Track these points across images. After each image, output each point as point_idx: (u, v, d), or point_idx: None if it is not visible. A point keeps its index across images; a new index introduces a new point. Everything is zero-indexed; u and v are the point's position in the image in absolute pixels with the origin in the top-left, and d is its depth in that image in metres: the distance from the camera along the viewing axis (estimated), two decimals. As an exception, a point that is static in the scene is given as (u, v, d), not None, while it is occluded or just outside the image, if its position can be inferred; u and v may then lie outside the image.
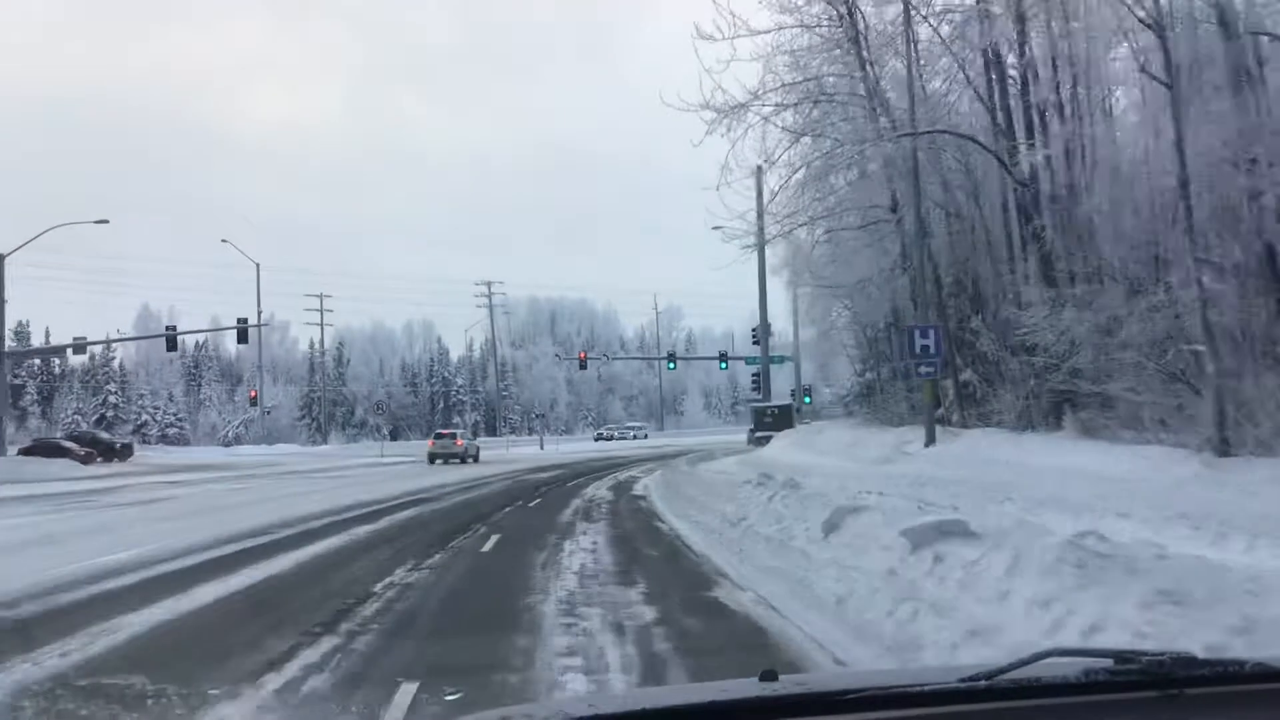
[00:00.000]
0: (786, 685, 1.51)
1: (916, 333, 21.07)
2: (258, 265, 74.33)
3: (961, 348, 24.71)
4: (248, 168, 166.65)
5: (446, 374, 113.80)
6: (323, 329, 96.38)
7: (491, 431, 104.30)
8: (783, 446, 34.90)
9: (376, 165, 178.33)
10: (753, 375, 45.37)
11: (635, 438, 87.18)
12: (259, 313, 75.74)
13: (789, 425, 40.78)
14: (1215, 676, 1.51)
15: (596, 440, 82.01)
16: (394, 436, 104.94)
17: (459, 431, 50.75)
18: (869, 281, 28.40)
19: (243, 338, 48.10)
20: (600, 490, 27.70)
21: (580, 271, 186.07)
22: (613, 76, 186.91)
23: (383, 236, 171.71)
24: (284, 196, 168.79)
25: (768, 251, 43.34)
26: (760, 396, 45.32)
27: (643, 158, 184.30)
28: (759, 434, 41.09)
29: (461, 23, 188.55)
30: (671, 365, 61.39)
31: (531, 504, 22.19)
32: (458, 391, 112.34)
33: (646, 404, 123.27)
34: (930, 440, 20.92)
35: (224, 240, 69.57)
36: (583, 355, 62.52)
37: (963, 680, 1.42)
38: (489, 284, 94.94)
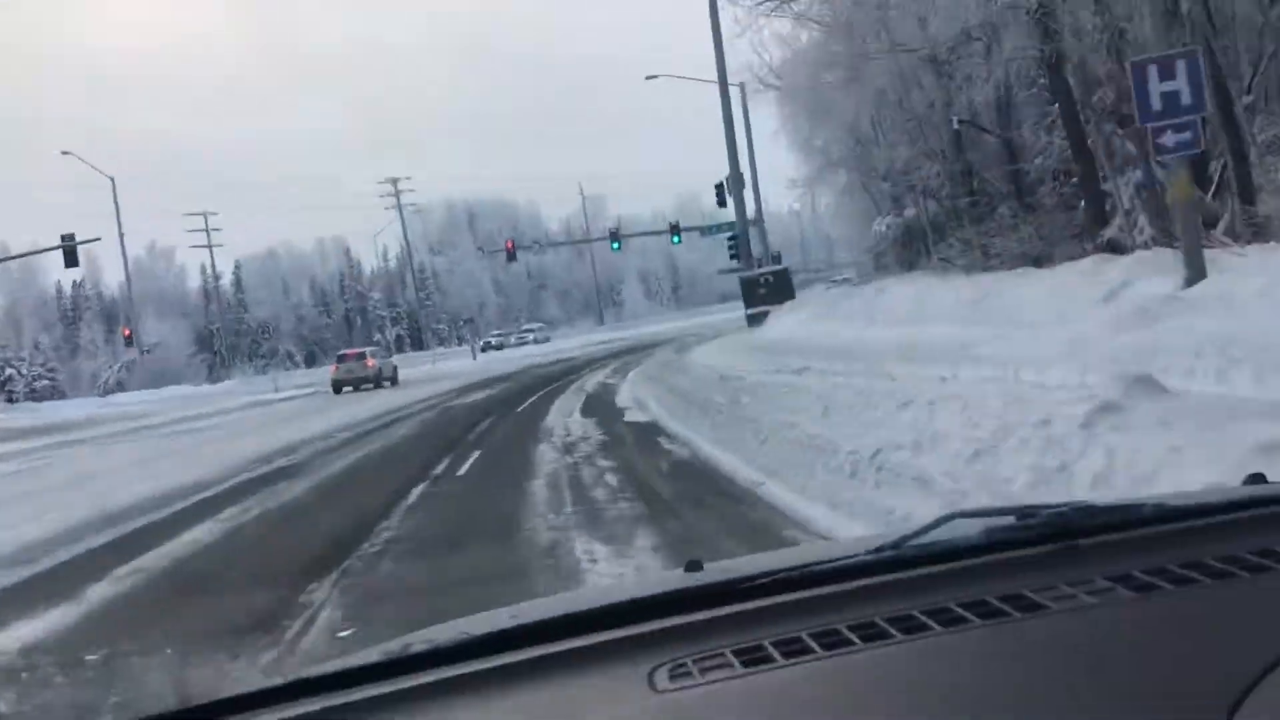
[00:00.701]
0: (710, 573, 1.49)
1: (1154, 71, 10.90)
2: (112, 180, 61.74)
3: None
4: (121, 89, 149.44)
5: (360, 289, 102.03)
6: (211, 251, 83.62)
7: (418, 345, 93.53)
8: (800, 321, 24.90)
9: (268, 73, 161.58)
10: (729, 240, 35.13)
11: (535, 341, 74.31)
12: (121, 237, 63.64)
13: (788, 295, 30.87)
14: (1114, 523, 1.47)
15: (484, 350, 69.95)
16: (310, 362, 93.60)
17: (368, 350, 40.24)
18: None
19: (71, 260, 36.57)
20: (572, 415, 17.77)
21: (497, 169, 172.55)
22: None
23: (280, 151, 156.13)
24: (162, 116, 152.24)
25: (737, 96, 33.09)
26: (740, 264, 35.24)
27: (553, 43, 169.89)
28: (752, 310, 31.17)
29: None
30: (616, 245, 51.23)
31: (463, 468, 12.32)
32: (375, 306, 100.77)
33: (582, 298, 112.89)
34: (1197, 273, 11.00)
35: (65, 153, 56.49)
36: (510, 245, 51.89)
37: (870, 551, 1.42)
38: (394, 181, 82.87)
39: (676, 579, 1.51)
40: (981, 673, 1.11)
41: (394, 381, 40.87)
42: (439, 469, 12.29)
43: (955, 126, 20.83)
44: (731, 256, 35.23)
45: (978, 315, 15.04)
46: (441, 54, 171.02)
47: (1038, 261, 17.84)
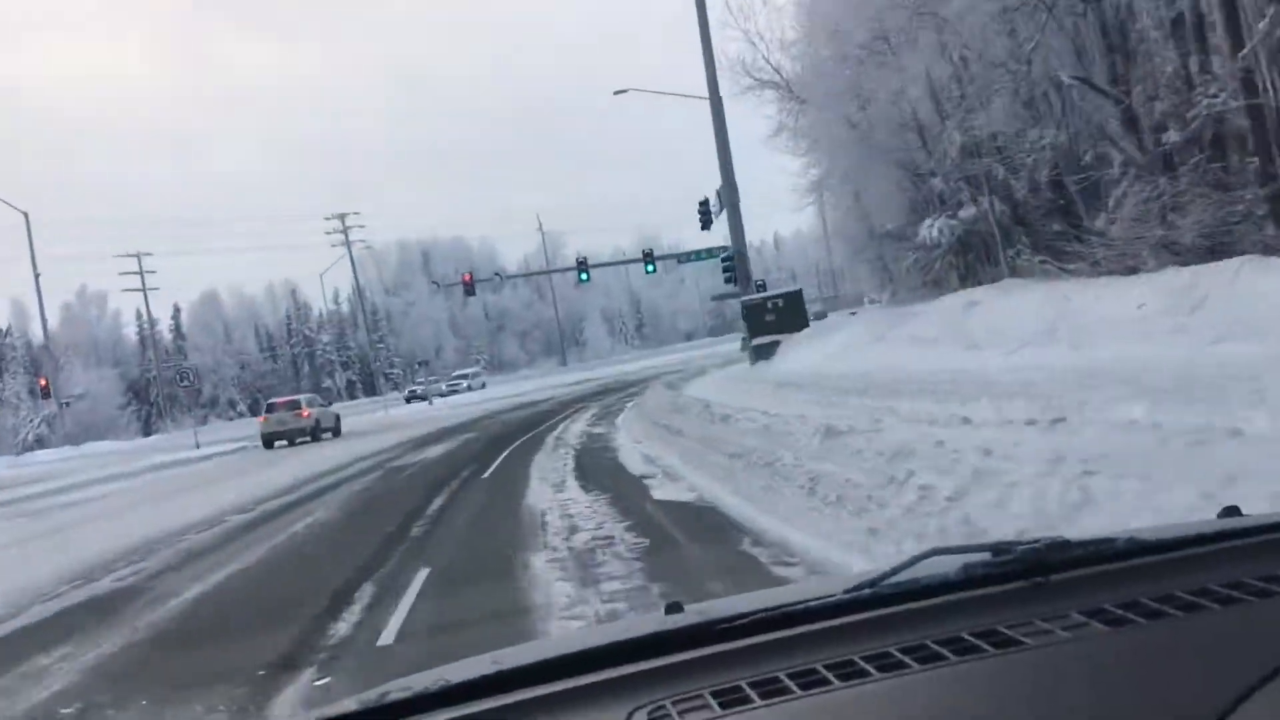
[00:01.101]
0: (689, 615, 1.48)
1: None
2: (26, 215, 55.42)
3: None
4: (55, 128, 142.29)
5: (308, 332, 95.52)
6: (145, 295, 76.81)
7: (370, 390, 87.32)
8: (834, 350, 19.55)
9: (206, 115, 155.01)
10: (724, 261, 29.79)
11: (469, 389, 65.77)
12: (36, 277, 57.30)
13: (800, 322, 25.52)
14: (1088, 557, 1.46)
15: (409, 401, 63.24)
16: (254, 411, 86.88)
17: (303, 398, 34.22)
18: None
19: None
20: (565, 484, 12.17)
21: (451, 210, 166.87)
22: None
23: (222, 194, 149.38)
24: (96, 158, 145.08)
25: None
26: (737, 288, 29.90)
27: (503, 78, 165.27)
28: (759, 340, 25.73)
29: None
30: (584, 276, 45.92)
31: (394, 621, 6.45)
32: (324, 350, 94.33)
33: (543, 338, 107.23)
34: None
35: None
36: (467, 278, 46.40)
37: (847, 591, 1.41)
38: (342, 217, 76.79)
39: (656, 621, 1.48)
40: (957, 710, 1.10)
41: (336, 432, 34.93)
42: (350, 618, 6.63)
43: (1067, 81, 15.52)
44: (727, 280, 29.87)
45: (1204, 325, 9.67)
46: (390, 93, 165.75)
47: (1212, 253, 12.58)
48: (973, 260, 20.39)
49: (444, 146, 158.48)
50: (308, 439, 33.13)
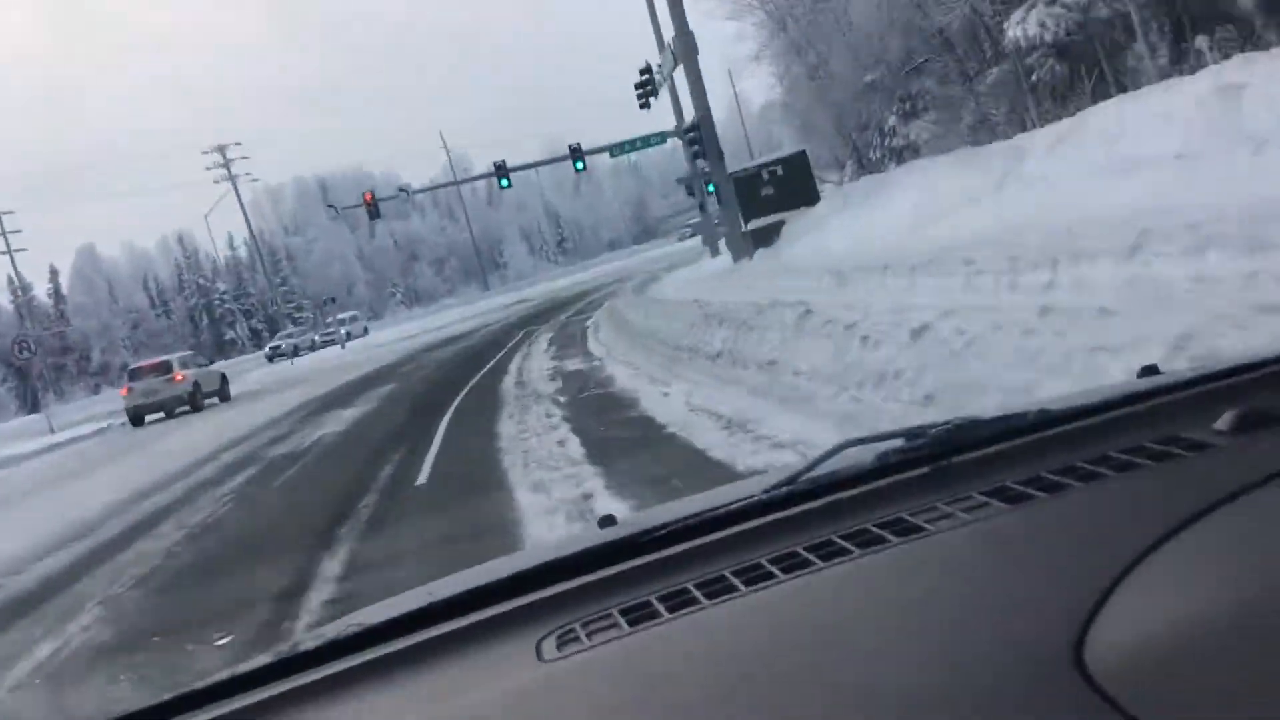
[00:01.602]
0: (619, 529, 1.46)
1: None
2: None
3: None
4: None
5: (202, 281, 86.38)
6: (12, 257, 67.51)
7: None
8: (891, 226, 13.34)
9: (76, 63, 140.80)
10: (686, 134, 23.27)
11: (349, 336, 53.13)
12: None
13: (810, 197, 19.23)
14: (998, 434, 1.44)
15: (271, 360, 53.19)
16: (154, 374, 78.65)
17: (175, 359, 27.04)
18: None
19: None
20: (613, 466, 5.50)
21: (349, 142, 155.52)
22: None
23: (104, 148, 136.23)
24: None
25: None
26: (706, 166, 23.40)
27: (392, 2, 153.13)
28: (756, 223, 19.45)
29: None
30: (504, 183, 38.79)
31: None
32: (221, 299, 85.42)
33: (460, 265, 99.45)
34: None
35: None
36: (369, 197, 38.84)
37: (765, 490, 1.40)
38: (222, 149, 67.84)
39: (587, 538, 1.45)
40: (853, 605, 1.09)
41: (223, 396, 27.99)
42: None
43: None
44: (696, 155, 23.29)
45: None
46: (274, 21, 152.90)
47: None
48: (1079, 72, 14.15)
49: (335, 75, 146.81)
50: (187, 408, 26.19)
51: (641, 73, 29.56)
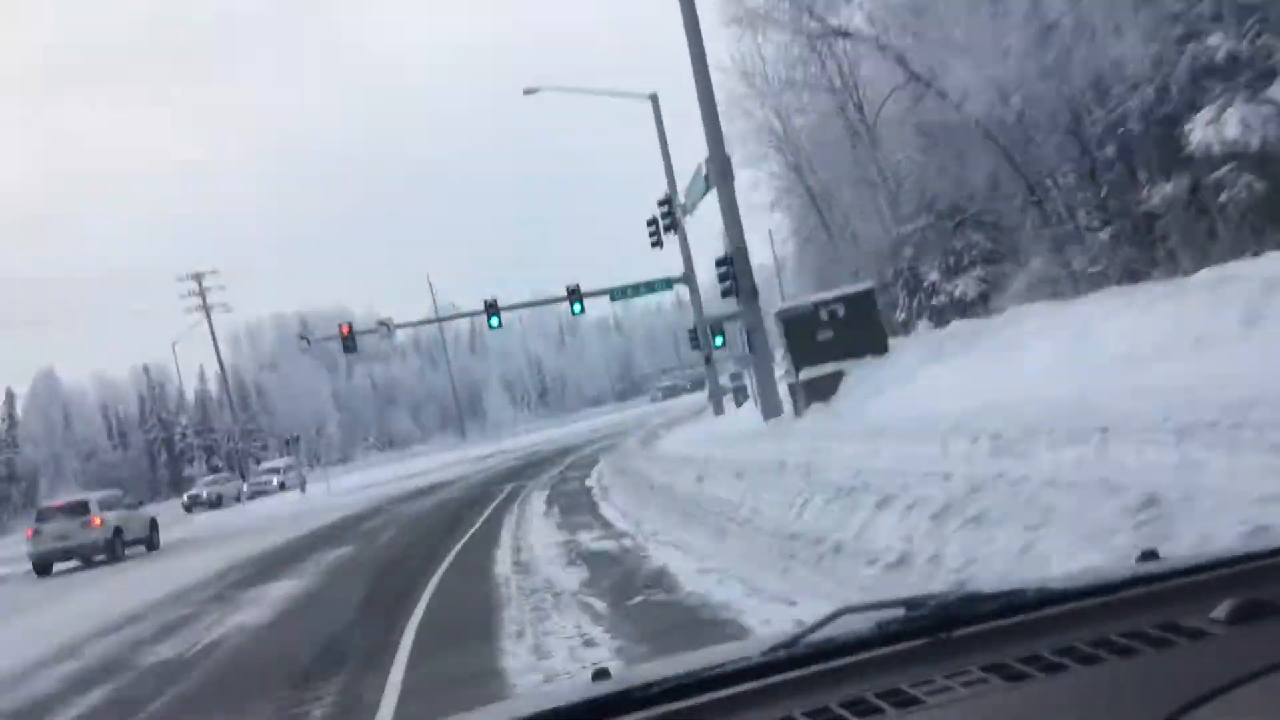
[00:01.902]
0: (614, 682, 1.42)
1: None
2: None
3: None
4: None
5: (165, 415, 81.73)
6: (-36, 379, 63.21)
7: (241, 476, 74.24)
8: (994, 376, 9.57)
9: (55, 194, 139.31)
10: (718, 266, 19.82)
11: (282, 487, 46.42)
12: None
13: (878, 343, 15.62)
14: (998, 610, 1.44)
15: (188, 509, 46.50)
16: (103, 509, 73.21)
17: (94, 499, 22.69)
18: None
19: None
20: None
21: (331, 280, 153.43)
22: (334, 55, 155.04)
23: (78, 279, 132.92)
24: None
25: None
26: (741, 303, 19.88)
27: (379, 140, 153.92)
28: (809, 373, 15.78)
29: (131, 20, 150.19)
30: (494, 322, 35.84)
31: None
32: (183, 434, 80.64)
33: (438, 411, 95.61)
34: None
35: None
36: (345, 330, 35.48)
37: (764, 653, 1.38)
38: (198, 277, 64.61)
39: (581, 688, 1.44)
40: None
41: (150, 544, 23.58)
42: None
43: None
44: (725, 293, 19.82)
45: None
46: (262, 161, 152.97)
47: None
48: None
49: (321, 212, 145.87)
50: (103, 558, 21.78)
51: (660, 203, 26.56)
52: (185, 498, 49.20)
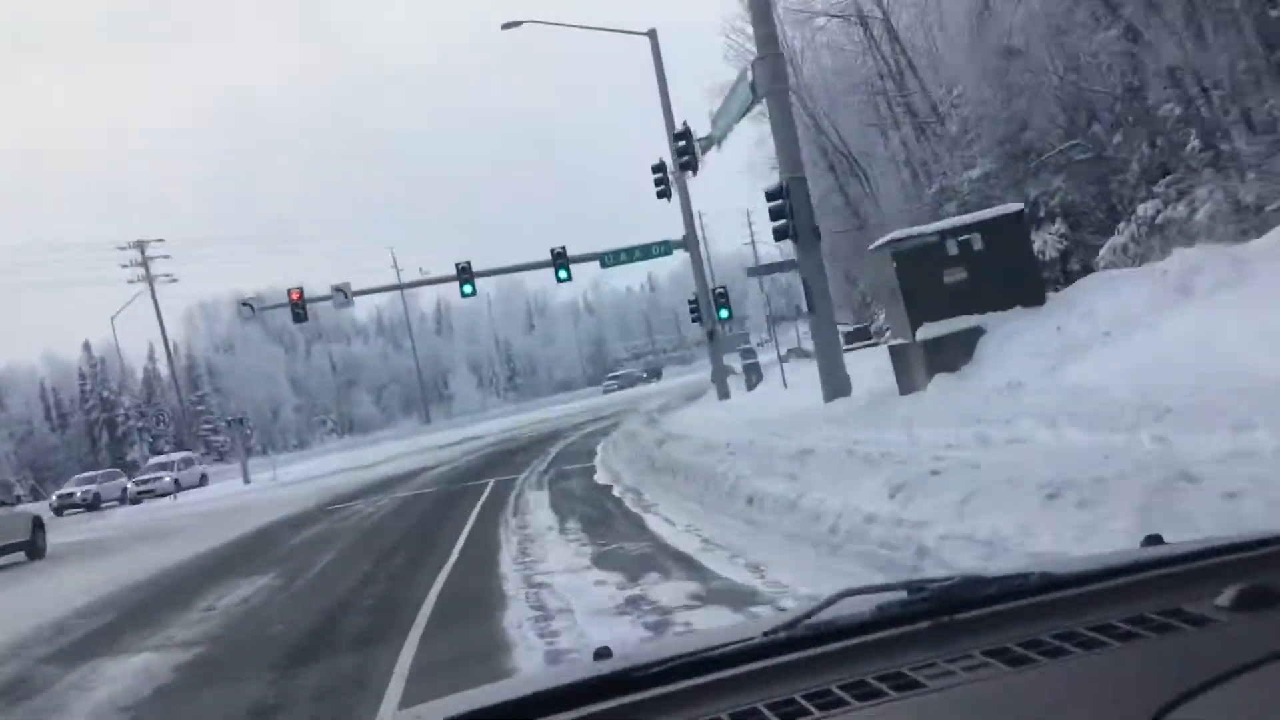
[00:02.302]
0: (614, 662, 1.41)
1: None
2: None
3: None
4: None
5: (106, 393, 75.66)
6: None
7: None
8: None
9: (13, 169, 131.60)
10: (769, 199, 14.97)
11: (177, 486, 38.42)
12: None
13: (1034, 291, 10.82)
14: (1000, 594, 1.41)
15: (59, 513, 36.32)
16: (38, 495, 67.29)
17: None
18: None
19: None
20: None
21: (297, 259, 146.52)
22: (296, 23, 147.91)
23: (34, 255, 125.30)
24: None
25: None
26: (801, 245, 15.10)
27: (348, 113, 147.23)
28: (931, 330, 10.96)
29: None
30: (468, 289, 31.05)
31: None
32: (126, 415, 74.63)
33: (401, 394, 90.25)
34: None
35: None
36: (296, 295, 30.43)
37: (765, 634, 1.37)
38: (141, 245, 58.86)
39: (582, 668, 1.43)
40: None
41: (34, 552, 18.51)
42: None
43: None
44: (780, 234, 15.06)
45: None
46: (218, 133, 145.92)
47: None
48: None
49: (286, 192, 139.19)
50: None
51: (677, 137, 21.70)
52: (54, 498, 40.42)
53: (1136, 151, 17.94)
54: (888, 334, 13.49)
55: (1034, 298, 10.94)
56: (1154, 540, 1.65)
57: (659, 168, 23.66)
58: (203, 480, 40.08)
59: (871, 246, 12.70)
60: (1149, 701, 0.99)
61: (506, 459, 23.82)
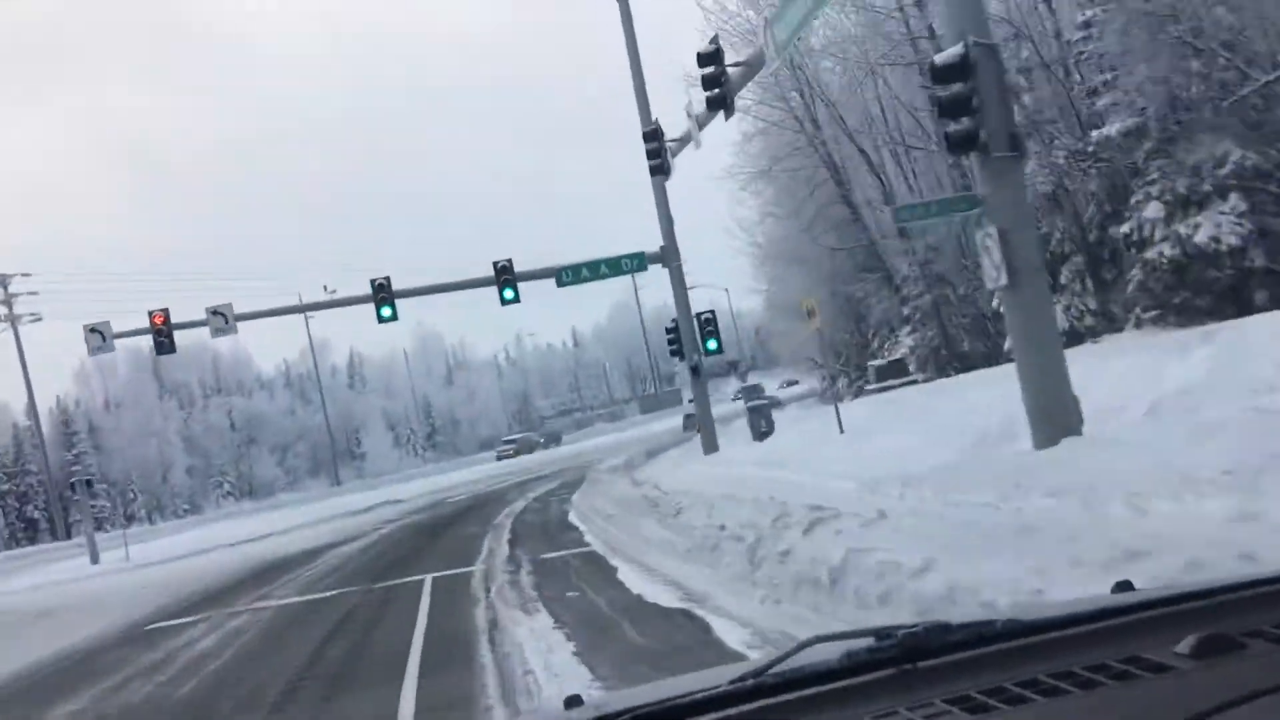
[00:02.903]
0: (585, 710, 1.41)
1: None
2: None
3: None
4: None
5: (-36, 454, 65.66)
6: None
7: (58, 532, 58.98)
8: None
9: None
10: (951, 92, 8.42)
11: None
12: None
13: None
14: (966, 640, 1.40)
15: None
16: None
17: None
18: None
19: None
20: None
21: (204, 301, 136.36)
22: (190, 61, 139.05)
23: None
24: None
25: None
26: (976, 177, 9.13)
27: (254, 155, 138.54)
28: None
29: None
30: (386, 312, 23.61)
31: None
32: (-14, 479, 64.60)
33: (309, 452, 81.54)
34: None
35: None
36: (159, 320, 22.83)
37: (732, 682, 1.34)
38: (3, 279, 50.35)
39: (552, 716, 1.39)
40: None
41: None
42: None
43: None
44: (956, 142, 8.71)
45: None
46: (125, 179, 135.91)
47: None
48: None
49: (187, 232, 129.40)
50: None
51: (648, 137, 15.22)
52: None
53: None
54: None
55: None
56: (1124, 586, 1.63)
57: (652, 134, 17.19)
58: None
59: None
60: None
61: (442, 534, 16.86)
